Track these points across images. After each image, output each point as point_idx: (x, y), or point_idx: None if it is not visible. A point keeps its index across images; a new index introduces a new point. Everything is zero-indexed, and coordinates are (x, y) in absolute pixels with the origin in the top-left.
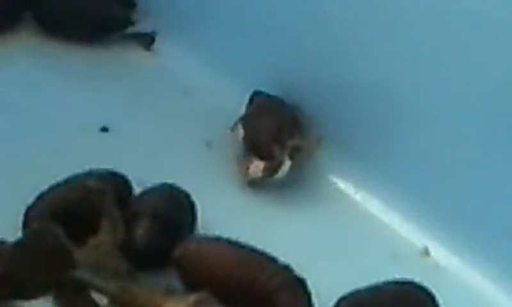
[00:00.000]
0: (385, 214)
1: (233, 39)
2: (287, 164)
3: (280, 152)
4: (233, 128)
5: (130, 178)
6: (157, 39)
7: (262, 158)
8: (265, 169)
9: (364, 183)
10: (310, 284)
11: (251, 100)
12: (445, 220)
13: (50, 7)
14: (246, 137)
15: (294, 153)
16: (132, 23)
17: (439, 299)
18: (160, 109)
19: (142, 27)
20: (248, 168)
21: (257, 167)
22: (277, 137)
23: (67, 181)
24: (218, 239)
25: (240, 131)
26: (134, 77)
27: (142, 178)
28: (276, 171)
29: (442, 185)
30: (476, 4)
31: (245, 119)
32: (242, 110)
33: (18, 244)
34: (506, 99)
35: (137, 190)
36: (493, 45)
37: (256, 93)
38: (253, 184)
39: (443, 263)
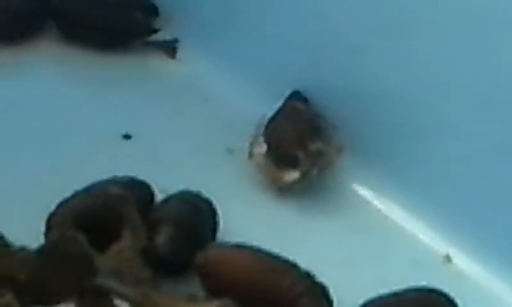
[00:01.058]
0: (407, 221)
1: (255, 47)
2: (313, 170)
3: (304, 157)
4: (252, 146)
5: (152, 185)
6: (180, 46)
7: (287, 164)
8: (298, 177)
9: (385, 190)
10: (331, 292)
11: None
12: (467, 228)
13: (73, 15)
14: (268, 145)
15: (316, 159)
16: (154, 30)
17: (461, 306)
18: (182, 116)
19: (165, 34)
20: (280, 176)
21: (290, 175)
22: (299, 143)
23: (89, 189)
24: (240, 246)
25: (262, 144)
26: (156, 84)
27: (164, 185)
28: (306, 177)
29: (464, 193)
30: (500, 10)
31: (265, 129)
32: (265, 118)
33: (40, 250)
34: None
35: (159, 197)
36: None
37: (292, 94)
38: (283, 191)
39: (465, 271)
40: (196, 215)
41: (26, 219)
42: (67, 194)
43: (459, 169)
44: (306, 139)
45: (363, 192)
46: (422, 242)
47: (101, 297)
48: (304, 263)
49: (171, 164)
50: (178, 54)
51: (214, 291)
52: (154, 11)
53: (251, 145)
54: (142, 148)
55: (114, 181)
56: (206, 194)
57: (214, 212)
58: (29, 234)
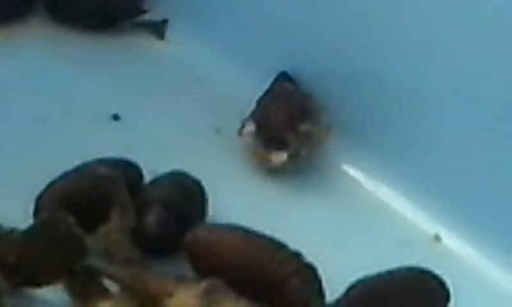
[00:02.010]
0: (396, 201)
1: (244, 28)
2: (303, 151)
3: (294, 138)
4: (242, 126)
5: (141, 165)
6: (168, 27)
7: (276, 145)
8: (287, 158)
9: (374, 171)
10: (320, 272)
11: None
12: (456, 207)
13: None
14: (257, 127)
15: (306, 140)
16: (143, 11)
17: (450, 285)
18: (171, 97)
19: (153, 15)
20: (269, 158)
21: (279, 156)
22: (289, 125)
23: (78, 169)
24: (228, 226)
25: (251, 124)
26: (145, 65)
27: (153, 165)
28: (295, 158)
29: (453, 172)
30: None
31: (255, 109)
32: (253, 99)
33: (29, 231)
34: None
35: (148, 177)
36: (503, 35)
37: (280, 76)
38: (272, 172)
39: (454, 250)
40: (185, 196)
41: (14, 201)
42: (56, 175)
43: (449, 149)
44: (295, 120)
45: (353, 172)
46: (411, 221)
47: (90, 278)
48: (293, 244)
49: (160, 145)
50: (167, 35)
51: (203, 272)
52: None
53: (241, 126)
54: (131, 129)
55: (103, 161)
56: (195, 174)
57: (203, 193)
58: (17, 215)
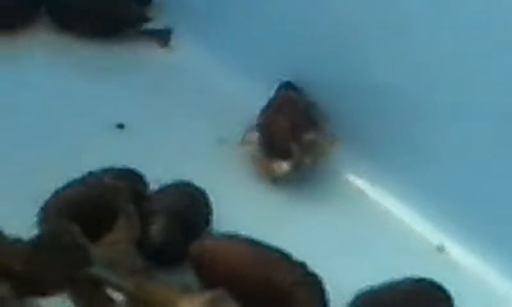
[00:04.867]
0: (400, 211)
1: (248, 37)
2: (306, 160)
3: (297, 148)
4: (246, 135)
5: (145, 175)
6: (173, 36)
7: (279, 155)
8: (290, 169)
9: (379, 180)
10: (325, 281)
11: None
12: (461, 218)
13: (65, 3)
14: (261, 136)
15: (310, 149)
16: (147, 19)
17: (454, 296)
18: (175, 105)
19: (158, 23)
20: (272, 168)
21: (281, 167)
22: (293, 134)
23: (83, 179)
24: (233, 236)
25: (255, 134)
26: (149, 74)
27: (157, 175)
28: (298, 168)
29: (458, 183)
30: (491, 5)
31: (259, 118)
32: (257, 108)
33: (34, 241)
34: None
35: (152, 186)
36: (506, 43)
37: (284, 85)
38: (275, 182)
39: (458, 260)
40: (189, 205)
41: (20, 210)
42: (61, 184)
43: (453, 159)
44: (299, 129)
45: (357, 181)
46: (415, 231)
47: (95, 288)
48: (297, 253)
49: (164, 154)
50: (171, 43)
51: (208, 282)
52: (147, 0)
53: (244, 135)
54: (135, 138)
55: (108, 171)
56: (199, 184)
57: (207, 202)
58: (23, 224)
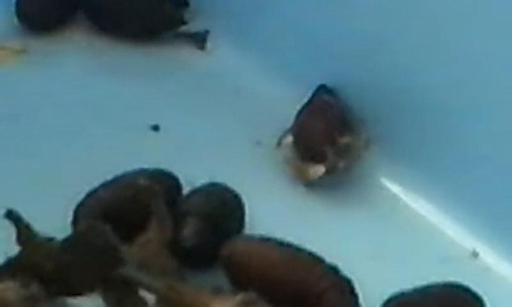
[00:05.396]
0: (434, 216)
1: (284, 39)
2: (341, 164)
3: (332, 152)
4: (281, 138)
5: (179, 177)
6: (209, 38)
7: (314, 159)
8: (324, 172)
9: (413, 185)
10: (357, 286)
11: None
12: (495, 223)
13: (103, 6)
14: (296, 139)
15: (345, 153)
16: (184, 22)
17: (487, 302)
18: (211, 108)
19: (194, 26)
20: (306, 171)
21: (316, 170)
22: (328, 138)
23: (117, 180)
24: (266, 239)
25: (290, 137)
26: (185, 76)
27: (191, 177)
28: (332, 172)
29: (493, 188)
30: None
31: (294, 122)
32: (293, 111)
33: (67, 241)
34: None
35: (186, 189)
36: None
37: (319, 88)
38: (309, 185)
39: (492, 266)
40: (222, 208)
41: (54, 210)
42: (95, 185)
43: (488, 165)
44: (335, 133)
45: (391, 186)
46: (449, 237)
47: (127, 288)
48: (330, 257)
49: (198, 156)
50: (208, 46)
51: (239, 284)
52: (184, 3)
53: (279, 138)
54: (170, 140)
55: (142, 172)
56: (233, 186)
57: (240, 205)
58: (56, 224)
